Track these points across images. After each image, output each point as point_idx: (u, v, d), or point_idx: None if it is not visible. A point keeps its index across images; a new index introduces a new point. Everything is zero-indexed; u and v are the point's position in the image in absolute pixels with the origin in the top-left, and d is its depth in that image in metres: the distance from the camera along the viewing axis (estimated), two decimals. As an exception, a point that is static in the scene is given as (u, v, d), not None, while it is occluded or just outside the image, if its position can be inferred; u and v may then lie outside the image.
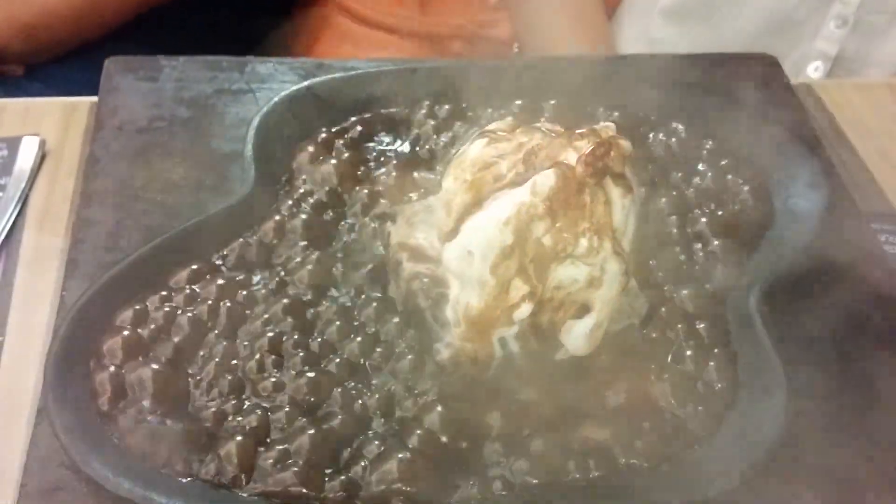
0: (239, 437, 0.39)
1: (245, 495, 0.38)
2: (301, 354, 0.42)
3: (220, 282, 0.45)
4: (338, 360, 0.42)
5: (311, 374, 0.41)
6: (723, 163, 0.53)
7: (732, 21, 0.79)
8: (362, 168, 0.51)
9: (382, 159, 0.52)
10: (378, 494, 0.37)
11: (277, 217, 0.48)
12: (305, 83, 0.54)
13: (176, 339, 0.43)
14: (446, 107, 0.55)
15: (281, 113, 0.52)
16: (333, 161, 0.51)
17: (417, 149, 0.53)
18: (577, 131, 0.38)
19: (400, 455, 0.38)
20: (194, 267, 0.45)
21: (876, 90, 0.69)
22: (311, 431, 0.39)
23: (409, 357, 0.42)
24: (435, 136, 0.53)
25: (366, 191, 0.50)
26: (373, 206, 0.49)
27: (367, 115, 0.54)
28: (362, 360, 0.42)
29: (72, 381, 0.40)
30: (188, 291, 0.44)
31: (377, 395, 0.41)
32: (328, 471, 0.38)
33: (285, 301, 0.45)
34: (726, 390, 0.43)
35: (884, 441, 0.42)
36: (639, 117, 0.55)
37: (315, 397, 0.41)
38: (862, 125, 0.64)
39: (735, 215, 0.51)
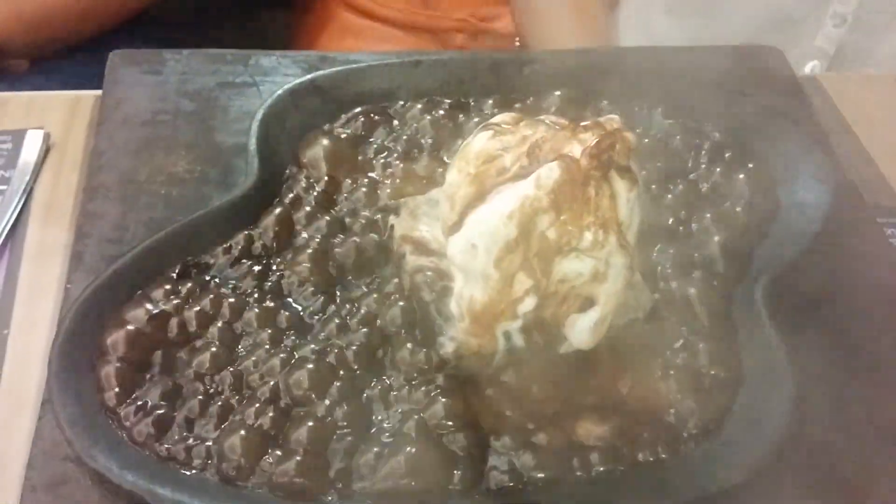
0: (243, 431, 0.39)
1: (249, 487, 0.38)
2: (304, 346, 0.42)
3: (224, 274, 0.45)
4: (340, 353, 0.42)
5: (314, 367, 0.41)
6: (727, 155, 0.53)
7: (732, 17, 0.78)
8: (365, 161, 0.51)
9: (385, 152, 0.51)
10: (382, 489, 0.37)
11: (281, 209, 0.47)
12: (309, 76, 0.54)
13: (181, 331, 0.43)
14: (449, 100, 0.54)
15: (284, 106, 0.52)
16: (337, 154, 0.50)
17: (421, 142, 0.53)
18: (582, 124, 0.38)
19: (404, 449, 0.38)
20: (198, 259, 0.45)
21: (881, 83, 0.69)
22: (314, 424, 0.39)
23: (412, 350, 0.42)
24: (438, 130, 0.53)
25: (369, 183, 0.49)
26: (376, 200, 0.49)
27: (370, 108, 0.54)
28: (365, 353, 0.42)
29: (76, 374, 0.40)
30: (192, 284, 0.44)
31: (379, 388, 0.40)
32: (331, 464, 0.38)
33: (288, 294, 0.45)
34: (732, 384, 0.42)
35: (892, 433, 0.42)
36: (642, 110, 0.55)
37: (318, 390, 0.40)
38: (868, 118, 0.63)
39: (740, 208, 0.51)
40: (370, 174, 0.50)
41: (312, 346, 0.42)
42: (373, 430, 0.39)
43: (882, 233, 0.53)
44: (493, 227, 0.37)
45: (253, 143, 0.49)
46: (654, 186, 0.50)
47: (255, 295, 0.44)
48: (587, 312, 0.40)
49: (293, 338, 0.43)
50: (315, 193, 0.49)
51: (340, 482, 0.38)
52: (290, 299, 0.44)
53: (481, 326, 0.40)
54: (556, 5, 0.79)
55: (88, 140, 0.55)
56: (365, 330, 0.43)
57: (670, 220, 0.49)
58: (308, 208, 0.48)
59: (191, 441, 0.39)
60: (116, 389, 0.40)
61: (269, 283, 0.45)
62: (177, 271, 0.45)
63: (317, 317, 0.44)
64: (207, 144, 0.52)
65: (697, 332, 0.45)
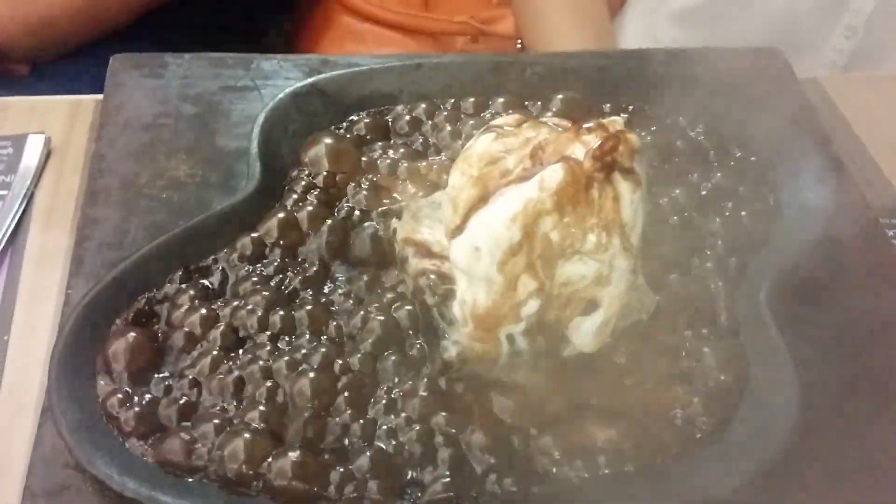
0: (246, 435, 0.39)
1: (252, 494, 0.37)
2: (307, 351, 0.42)
3: (227, 278, 0.45)
4: (343, 357, 0.42)
5: (316, 373, 0.41)
6: (730, 157, 0.53)
7: (740, 27, 0.78)
8: (367, 164, 0.51)
9: (387, 155, 0.51)
10: (383, 492, 0.37)
11: (283, 213, 0.47)
12: (310, 80, 0.54)
13: (182, 337, 0.42)
14: (451, 102, 0.54)
15: (286, 109, 0.52)
16: (339, 156, 0.50)
17: (423, 145, 0.52)
18: (585, 125, 0.37)
19: (407, 453, 0.38)
20: (200, 264, 0.45)
21: (885, 84, 0.68)
22: (316, 428, 0.38)
23: (416, 354, 0.41)
24: (440, 132, 0.53)
25: (371, 187, 0.49)
26: (378, 203, 0.49)
27: (372, 111, 0.53)
28: (368, 357, 0.42)
29: (76, 380, 0.40)
30: (194, 288, 0.44)
31: (383, 392, 0.40)
32: (333, 467, 0.38)
33: (291, 297, 0.44)
34: (736, 387, 0.42)
35: (896, 437, 0.42)
36: (646, 112, 0.55)
37: (321, 395, 0.40)
38: (870, 119, 0.63)
39: (743, 210, 0.51)
40: (372, 177, 0.50)
41: (317, 349, 0.42)
42: (376, 435, 0.39)
43: (885, 234, 0.53)
44: (496, 229, 0.37)
45: (255, 147, 0.49)
46: (654, 189, 0.50)
47: (258, 299, 0.44)
48: (590, 315, 0.40)
49: (296, 342, 0.42)
50: (317, 197, 0.49)
51: (345, 488, 0.37)
52: (293, 303, 0.44)
53: (485, 330, 0.40)
54: (557, 10, 0.79)
55: (89, 144, 0.55)
56: (368, 334, 0.42)
57: (673, 223, 0.49)
58: (309, 212, 0.48)
59: (192, 447, 0.39)
60: (117, 396, 0.40)
61: (272, 287, 0.45)
62: (179, 276, 0.44)
63: (321, 321, 0.43)
64: (209, 148, 0.52)
65: (701, 334, 0.45)
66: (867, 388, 0.44)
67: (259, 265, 0.46)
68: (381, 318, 0.43)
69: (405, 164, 0.51)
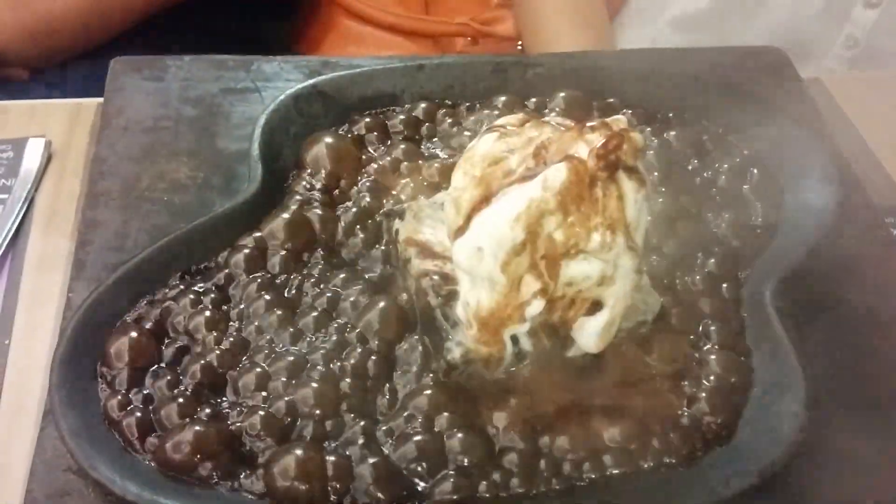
0: (249, 441, 0.39)
1: (254, 496, 0.37)
2: (310, 354, 0.42)
3: (229, 280, 0.44)
4: (347, 360, 0.41)
5: (320, 375, 0.41)
6: (733, 156, 0.53)
7: (741, 35, 0.78)
8: (369, 165, 0.51)
9: (389, 156, 0.51)
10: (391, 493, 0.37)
11: (285, 214, 0.47)
12: (311, 81, 0.54)
13: (184, 339, 0.42)
14: (453, 103, 0.54)
15: (287, 111, 0.52)
16: (339, 157, 0.50)
17: (424, 145, 0.52)
18: (588, 124, 0.37)
19: (412, 455, 0.38)
20: (202, 266, 0.45)
21: (888, 83, 0.68)
22: (321, 430, 0.38)
23: (419, 355, 0.41)
24: (442, 133, 0.53)
25: (373, 188, 0.49)
26: (380, 204, 0.48)
27: (373, 112, 0.53)
28: (372, 359, 0.41)
29: (78, 384, 0.40)
30: (195, 291, 0.44)
31: (388, 393, 0.40)
32: (335, 470, 0.38)
33: (293, 300, 0.44)
34: (743, 387, 0.42)
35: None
36: (648, 111, 0.55)
37: (324, 399, 0.40)
38: (872, 117, 0.63)
39: (746, 209, 0.50)
40: (374, 178, 0.50)
41: (318, 352, 0.42)
42: (380, 437, 0.39)
43: (889, 232, 0.53)
44: (499, 229, 0.37)
45: (256, 149, 0.49)
46: (657, 189, 0.50)
47: (260, 301, 0.44)
48: (595, 316, 0.40)
49: (299, 344, 0.42)
50: (318, 198, 0.48)
51: (344, 488, 0.37)
52: (295, 305, 0.44)
53: (489, 332, 0.39)
54: (557, 14, 0.79)
55: (90, 148, 0.55)
56: (371, 335, 0.42)
57: (677, 223, 0.49)
58: (311, 213, 0.47)
59: (195, 450, 0.38)
60: (119, 399, 0.40)
61: (274, 289, 0.44)
62: (180, 278, 0.44)
63: (322, 322, 0.43)
64: (210, 151, 0.52)
65: (706, 335, 0.44)
66: (874, 388, 0.44)
67: (261, 266, 0.45)
68: (384, 319, 0.42)
69: (407, 165, 0.50)
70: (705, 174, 0.52)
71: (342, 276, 0.45)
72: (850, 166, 0.55)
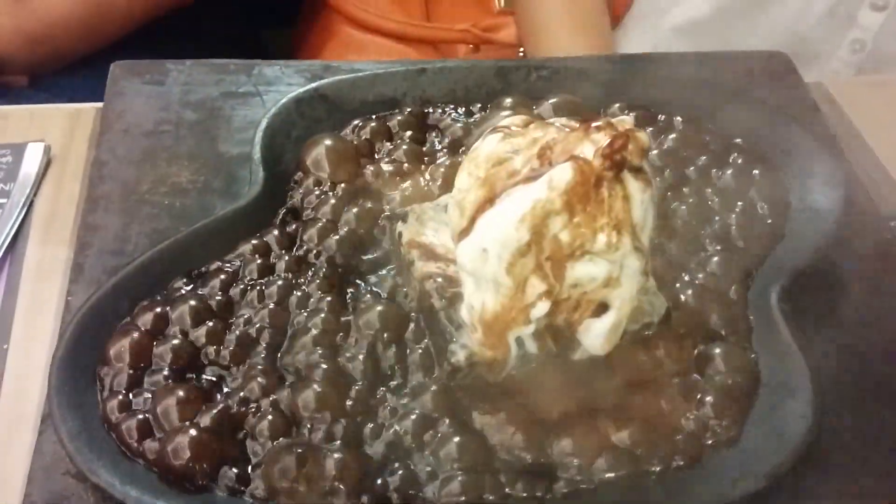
0: (251, 445, 0.38)
1: (254, 500, 0.37)
2: (313, 358, 0.41)
3: (230, 283, 0.44)
4: (353, 363, 0.41)
5: (322, 379, 0.40)
6: (738, 160, 0.53)
7: (745, 40, 0.78)
8: (372, 169, 0.50)
9: (391, 160, 0.51)
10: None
11: (286, 219, 0.47)
12: (313, 85, 0.53)
13: (184, 343, 0.42)
14: (456, 107, 0.54)
15: (289, 114, 0.51)
16: (339, 159, 0.50)
17: (427, 149, 0.52)
18: (594, 124, 0.37)
19: (417, 460, 0.37)
20: (203, 269, 0.44)
21: (891, 88, 0.68)
22: (325, 433, 0.38)
23: (423, 359, 0.41)
24: (445, 137, 0.53)
25: (375, 191, 0.49)
26: (382, 208, 0.48)
27: (375, 116, 0.53)
28: (375, 363, 0.41)
29: (77, 388, 0.39)
30: (196, 294, 0.43)
31: (393, 397, 0.40)
32: (343, 471, 0.37)
33: (294, 303, 0.44)
34: (750, 389, 0.42)
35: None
36: (653, 115, 0.54)
37: (326, 404, 0.39)
38: (876, 122, 0.63)
39: (751, 213, 0.50)
40: (377, 182, 0.50)
41: (321, 356, 0.41)
42: (386, 439, 0.38)
43: (895, 235, 0.53)
44: (504, 230, 0.37)
45: (257, 152, 0.49)
46: (663, 192, 0.50)
47: (262, 304, 0.43)
48: (601, 318, 0.39)
49: (302, 348, 0.42)
50: (320, 203, 0.48)
51: (350, 488, 0.36)
52: (296, 310, 0.43)
53: (494, 335, 0.39)
54: (559, 21, 0.79)
55: (89, 153, 0.55)
56: (375, 338, 0.42)
57: (682, 226, 0.49)
58: (313, 218, 0.47)
59: (194, 455, 0.38)
60: (119, 403, 0.39)
61: (276, 293, 0.44)
62: (181, 281, 0.44)
63: (325, 326, 0.42)
64: (211, 154, 0.52)
65: (712, 337, 0.44)
66: (881, 390, 0.43)
67: (263, 269, 0.45)
68: (388, 321, 0.42)
69: (409, 168, 0.50)
70: (710, 177, 0.52)
71: (346, 279, 0.45)
72: (854, 170, 0.54)
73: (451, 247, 0.42)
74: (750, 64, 0.61)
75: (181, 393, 0.39)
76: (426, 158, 0.51)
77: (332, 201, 0.48)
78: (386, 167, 0.50)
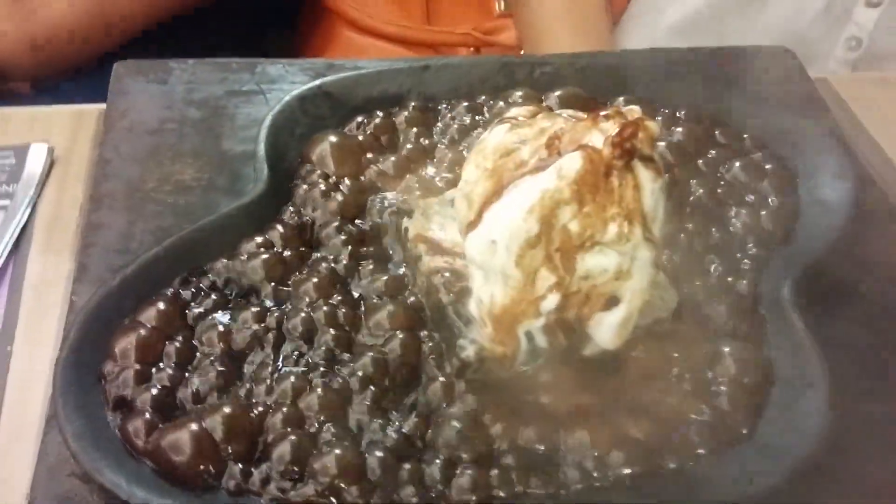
0: (259, 445, 0.38)
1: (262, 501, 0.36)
2: (319, 357, 0.41)
3: (236, 280, 0.43)
4: (358, 362, 0.40)
5: (327, 384, 0.39)
6: (745, 155, 0.52)
7: (741, 37, 0.77)
8: (376, 166, 0.50)
9: (396, 156, 0.50)
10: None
11: (291, 215, 0.46)
12: (317, 82, 0.53)
13: (190, 340, 0.41)
14: (461, 102, 0.53)
15: (293, 111, 0.51)
16: (344, 155, 0.49)
17: (432, 145, 0.51)
18: (602, 113, 0.36)
19: (429, 458, 0.37)
20: (208, 266, 0.44)
21: (894, 84, 0.68)
22: (334, 437, 0.37)
23: (434, 354, 0.40)
24: (450, 133, 0.52)
25: (381, 187, 0.48)
26: (388, 204, 0.48)
27: (379, 113, 0.52)
28: (381, 363, 0.40)
29: (82, 387, 0.39)
30: (202, 292, 0.43)
31: (403, 393, 0.39)
32: (349, 472, 0.36)
33: (300, 302, 0.43)
34: (764, 384, 0.41)
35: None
36: (657, 109, 0.54)
37: (331, 407, 0.39)
38: (882, 118, 0.62)
39: (762, 207, 0.50)
40: (381, 179, 0.49)
41: (328, 354, 0.41)
42: (395, 437, 0.38)
43: (906, 229, 0.52)
44: (512, 221, 0.36)
45: (262, 149, 0.48)
46: (671, 187, 0.49)
47: (267, 303, 0.43)
48: (612, 311, 0.39)
49: (308, 346, 0.41)
50: (325, 199, 0.47)
51: (357, 489, 0.36)
52: (302, 308, 0.43)
53: (504, 329, 0.38)
54: (559, 22, 0.78)
55: (93, 153, 0.54)
56: (382, 335, 0.41)
57: (691, 222, 0.48)
58: (318, 214, 0.47)
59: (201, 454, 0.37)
60: (124, 400, 0.39)
61: (282, 291, 0.43)
62: (186, 278, 0.43)
63: (332, 323, 0.42)
64: (215, 152, 0.51)
65: (724, 331, 0.43)
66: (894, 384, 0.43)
67: (269, 266, 0.44)
68: (395, 316, 0.41)
69: (414, 164, 0.50)
70: (718, 172, 0.51)
71: (350, 276, 0.44)
72: (863, 163, 0.54)
73: (457, 241, 0.42)
74: (755, 59, 0.61)
75: (187, 390, 0.39)
76: (431, 154, 0.50)
77: (338, 197, 0.47)
78: (391, 163, 0.50)
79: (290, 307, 0.42)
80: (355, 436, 0.38)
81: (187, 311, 0.42)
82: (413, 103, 0.53)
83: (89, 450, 0.36)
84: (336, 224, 0.46)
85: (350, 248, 0.45)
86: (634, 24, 0.84)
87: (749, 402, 0.40)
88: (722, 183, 0.51)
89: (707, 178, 0.51)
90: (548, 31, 0.79)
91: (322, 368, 0.40)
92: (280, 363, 0.41)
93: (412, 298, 0.42)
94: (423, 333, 0.41)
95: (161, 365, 0.40)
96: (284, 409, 0.38)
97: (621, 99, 0.53)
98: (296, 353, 0.41)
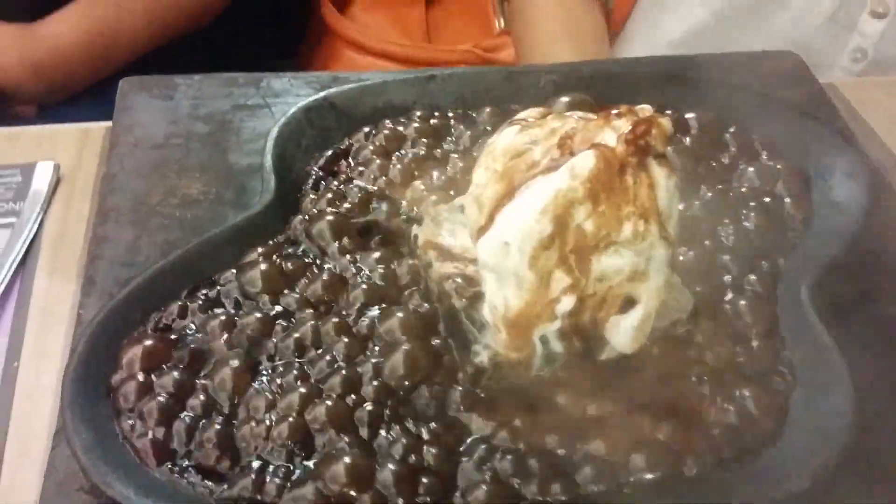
0: (267, 456, 0.37)
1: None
2: (330, 369, 0.40)
3: (245, 292, 0.43)
4: (370, 372, 0.40)
5: (338, 395, 0.39)
6: (757, 158, 0.52)
7: (745, 50, 0.77)
8: (384, 175, 0.49)
9: (403, 166, 0.50)
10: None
11: (299, 225, 0.46)
12: (323, 93, 0.53)
13: (197, 354, 0.40)
14: (466, 111, 0.53)
15: (299, 123, 0.51)
16: (354, 169, 0.49)
17: (438, 154, 0.51)
18: (614, 111, 0.36)
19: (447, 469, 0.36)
20: (216, 277, 0.43)
21: (901, 88, 0.68)
22: (349, 448, 0.36)
23: (447, 361, 0.39)
24: (455, 141, 0.52)
25: (390, 196, 0.48)
26: (396, 213, 0.47)
27: (385, 123, 0.52)
28: (398, 367, 0.39)
29: (90, 400, 0.38)
30: (211, 303, 0.42)
31: (417, 401, 0.38)
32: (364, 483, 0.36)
33: (308, 314, 0.42)
34: (786, 387, 0.40)
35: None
36: (667, 115, 0.53)
37: (342, 419, 0.38)
38: (891, 121, 0.62)
39: (776, 209, 0.49)
40: (389, 188, 0.49)
41: (338, 368, 0.40)
42: (412, 446, 0.37)
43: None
44: (525, 222, 0.35)
45: (269, 160, 0.48)
46: (684, 191, 0.49)
47: (274, 313, 0.42)
48: (629, 313, 0.38)
49: (319, 357, 0.40)
50: (332, 209, 0.47)
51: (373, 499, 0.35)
52: (317, 318, 0.42)
53: (519, 334, 0.38)
54: (559, 44, 0.78)
55: (99, 170, 0.54)
56: (394, 345, 0.40)
57: (705, 225, 0.48)
58: (326, 224, 0.46)
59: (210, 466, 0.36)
60: (132, 415, 0.38)
61: (290, 300, 0.43)
62: (195, 290, 0.43)
63: (344, 333, 0.41)
64: (221, 166, 0.51)
65: (743, 334, 0.43)
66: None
67: (277, 280, 0.44)
68: (405, 324, 0.41)
69: (422, 174, 0.49)
70: (730, 176, 0.51)
71: (356, 288, 0.43)
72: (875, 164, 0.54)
73: (468, 247, 0.41)
74: (761, 64, 0.61)
75: (193, 401, 0.38)
76: (439, 162, 0.50)
77: (346, 204, 0.47)
78: (399, 172, 0.49)
79: (297, 316, 0.42)
80: (369, 447, 0.37)
81: (195, 321, 0.41)
82: (419, 113, 0.53)
83: (99, 462, 0.35)
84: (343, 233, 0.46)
85: (358, 256, 0.45)
86: (633, 40, 0.84)
87: (772, 406, 0.39)
88: (733, 185, 0.50)
89: (718, 180, 0.50)
90: (548, 54, 0.78)
91: (331, 379, 0.39)
92: (287, 371, 0.40)
93: (426, 306, 0.41)
94: (437, 341, 0.40)
95: (169, 381, 0.39)
96: (291, 419, 0.38)
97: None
98: (305, 360, 0.40)
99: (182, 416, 0.38)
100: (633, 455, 0.36)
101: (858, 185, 0.50)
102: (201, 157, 0.51)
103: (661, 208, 0.36)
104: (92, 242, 0.47)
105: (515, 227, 0.36)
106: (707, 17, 0.78)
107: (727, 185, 0.50)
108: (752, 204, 0.49)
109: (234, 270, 0.43)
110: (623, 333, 0.38)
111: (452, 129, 0.52)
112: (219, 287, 0.43)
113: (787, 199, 0.50)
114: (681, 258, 0.44)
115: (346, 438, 0.37)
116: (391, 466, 0.36)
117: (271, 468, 0.37)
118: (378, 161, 0.50)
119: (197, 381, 0.39)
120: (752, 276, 0.45)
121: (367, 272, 0.43)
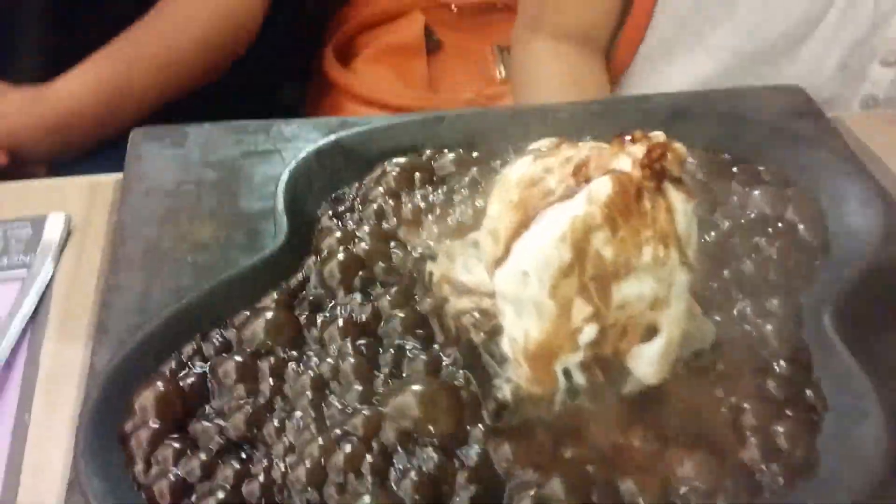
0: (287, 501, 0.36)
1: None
2: (352, 411, 0.39)
3: (258, 336, 0.42)
4: (388, 407, 0.39)
5: (358, 440, 0.38)
6: (770, 189, 0.52)
7: None
8: (396, 215, 0.49)
9: (413, 204, 0.50)
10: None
11: (311, 268, 0.45)
12: (333, 136, 0.53)
13: (212, 401, 0.40)
14: (476, 154, 0.53)
15: (310, 166, 0.51)
16: (365, 211, 0.49)
17: (449, 192, 0.51)
18: (628, 137, 0.36)
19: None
20: (230, 320, 0.43)
21: (909, 120, 0.68)
22: (372, 482, 0.35)
23: (469, 398, 0.38)
24: (466, 182, 0.52)
25: (403, 236, 0.48)
26: (409, 253, 0.47)
27: (396, 164, 0.52)
28: (419, 404, 0.39)
29: (104, 449, 0.37)
30: (224, 346, 0.42)
31: (441, 441, 0.37)
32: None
33: (324, 354, 0.42)
34: (817, 415, 0.39)
35: None
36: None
37: (355, 464, 0.37)
38: (897, 152, 0.62)
39: (792, 239, 0.49)
40: (401, 228, 0.49)
41: (359, 410, 0.39)
42: (441, 478, 0.36)
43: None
44: (544, 251, 0.35)
45: (280, 203, 0.48)
46: (700, 222, 0.48)
47: (289, 356, 0.41)
48: (651, 342, 0.37)
49: (338, 400, 0.40)
50: (344, 250, 0.47)
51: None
52: (329, 360, 0.41)
53: (541, 366, 0.37)
54: (556, 94, 0.77)
55: (110, 221, 0.54)
56: (416, 381, 0.39)
57: (722, 253, 0.47)
58: (339, 265, 0.46)
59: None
60: (147, 463, 0.37)
61: (306, 343, 0.42)
62: (206, 335, 0.42)
63: (362, 375, 0.41)
64: (232, 211, 0.51)
65: (768, 363, 0.42)
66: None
67: (290, 323, 0.43)
68: (423, 364, 0.40)
69: (433, 214, 0.49)
70: (743, 208, 0.51)
71: (377, 325, 0.43)
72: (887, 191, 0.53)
73: (483, 281, 0.41)
74: (768, 98, 0.61)
75: (210, 447, 0.37)
76: (450, 200, 0.50)
77: (363, 245, 0.46)
78: (410, 211, 0.49)
79: (315, 357, 0.41)
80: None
81: (209, 364, 0.41)
82: (428, 153, 0.53)
83: (112, 513, 0.34)
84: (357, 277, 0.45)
85: (372, 297, 0.44)
86: (633, 84, 0.83)
87: (803, 435, 0.38)
88: (748, 215, 0.50)
89: (733, 212, 0.50)
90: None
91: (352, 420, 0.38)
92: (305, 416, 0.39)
93: (441, 339, 0.41)
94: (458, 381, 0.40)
95: (184, 428, 0.38)
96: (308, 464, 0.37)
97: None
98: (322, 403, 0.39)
99: (197, 462, 0.37)
100: (663, 493, 0.35)
101: (875, 210, 0.49)
102: (212, 202, 0.51)
103: (679, 232, 0.35)
104: (104, 290, 0.46)
105: (533, 255, 0.36)
106: (714, 70, 0.77)
107: (740, 212, 0.50)
108: (768, 235, 0.49)
109: (247, 312, 0.43)
110: (646, 363, 0.37)
111: (462, 168, 0.52)
112: (234, 329, 0.42)
113: (801, 226, 0.49)
114: (700, 287, 0.43)
115: (369, 482, 0.36)
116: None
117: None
118: (389, 201, 0.50)
119: (210, 425, 0.38)
120: (773, 304, 0.44)
121: (388, 311, 0.43)
